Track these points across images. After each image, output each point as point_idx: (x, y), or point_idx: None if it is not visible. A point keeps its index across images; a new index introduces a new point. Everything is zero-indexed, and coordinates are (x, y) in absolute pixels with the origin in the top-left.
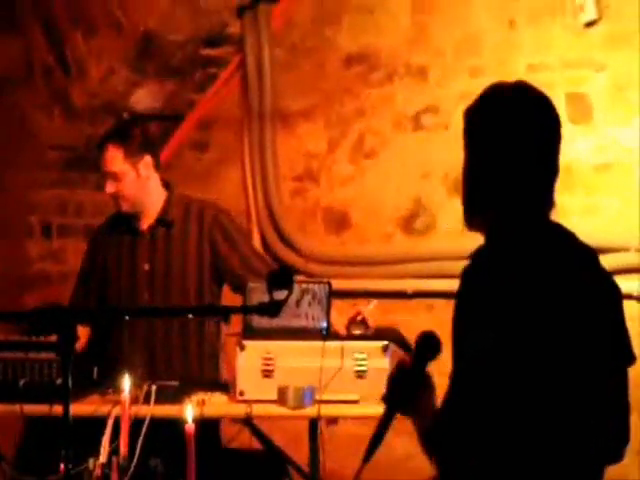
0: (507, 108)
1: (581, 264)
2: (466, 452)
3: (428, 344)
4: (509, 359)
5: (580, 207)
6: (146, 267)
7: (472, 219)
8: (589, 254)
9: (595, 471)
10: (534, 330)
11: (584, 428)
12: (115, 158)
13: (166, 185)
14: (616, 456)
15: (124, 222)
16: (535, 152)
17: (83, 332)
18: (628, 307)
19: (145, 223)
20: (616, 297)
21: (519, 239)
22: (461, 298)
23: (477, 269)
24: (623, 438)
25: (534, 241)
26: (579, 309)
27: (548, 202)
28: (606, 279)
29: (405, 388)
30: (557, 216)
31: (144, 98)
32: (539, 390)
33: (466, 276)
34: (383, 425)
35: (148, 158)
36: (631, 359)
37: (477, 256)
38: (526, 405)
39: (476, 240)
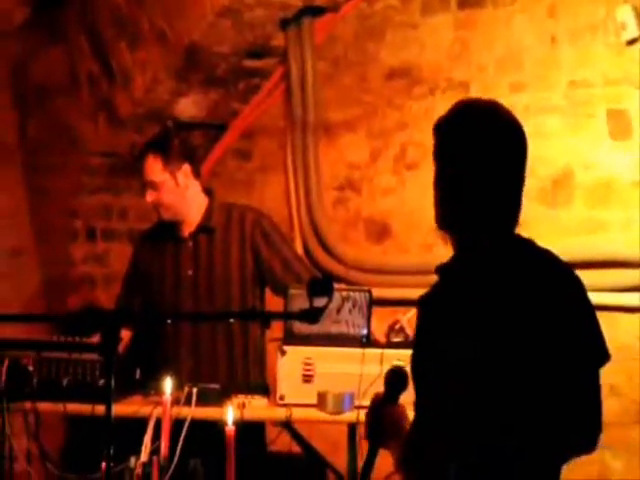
0: (481, 127)
1: (549, 272)
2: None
3: (397, 379)
4: (489, 364)
5: (619, 222)
6: (189, 273)
7: (443, 227)
8: (553, 261)
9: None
10: (511, 337)
11: (557, 422)
12: (154, 167)
13: (207, 192)
14: (588, 448)
15: (167, 229)
16: (506, 170)
17: (125, 334)
18: None
19: (187, 230)
20: (583, 298)
21: (491, 254)
22: (435, 308)
23: (453, 282)
24: (594, 430)
25: (505, 255)
26: (550, 315)
27: (515, 216)
28: (571, 282)
29: (380, 422)
30: (597, 230)
31: (189, 107)
32: (517, 388)
33: (441, 288)
34: (368, 460)
35: (187, 167)
36: (604, 357)
37: (449, 270)
38: (504, 400)
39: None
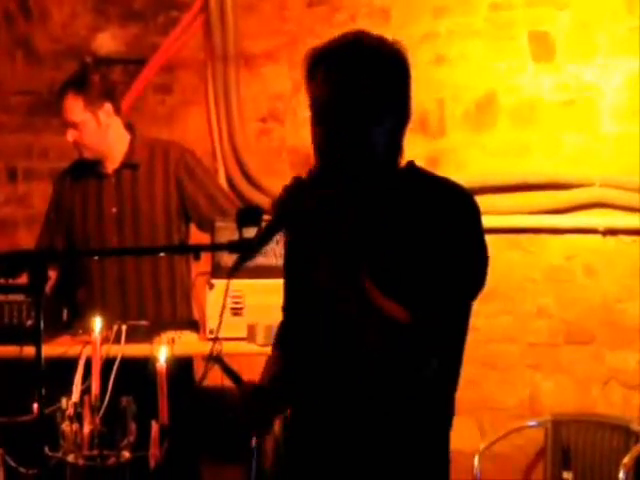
0: (356, 61)
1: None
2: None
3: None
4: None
5: (544, 143)
6: (113, 210)
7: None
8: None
9: None
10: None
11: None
12: (75, 107)
13: (129, 128)
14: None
15: (89, 166)
16: (390, 102)
17: (51, 274)
18: (592, 242)
19: (110, 167)
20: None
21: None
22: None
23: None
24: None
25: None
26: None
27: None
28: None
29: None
30: (522, 153)
31: (107, 42)
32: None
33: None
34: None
35: (108, 105)
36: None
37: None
38: None
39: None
